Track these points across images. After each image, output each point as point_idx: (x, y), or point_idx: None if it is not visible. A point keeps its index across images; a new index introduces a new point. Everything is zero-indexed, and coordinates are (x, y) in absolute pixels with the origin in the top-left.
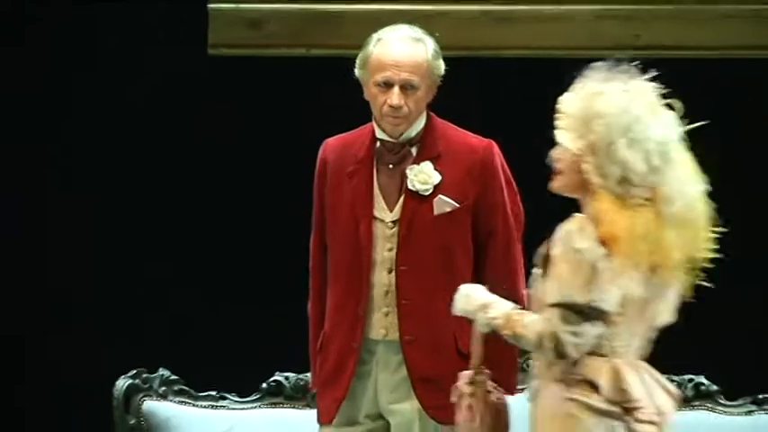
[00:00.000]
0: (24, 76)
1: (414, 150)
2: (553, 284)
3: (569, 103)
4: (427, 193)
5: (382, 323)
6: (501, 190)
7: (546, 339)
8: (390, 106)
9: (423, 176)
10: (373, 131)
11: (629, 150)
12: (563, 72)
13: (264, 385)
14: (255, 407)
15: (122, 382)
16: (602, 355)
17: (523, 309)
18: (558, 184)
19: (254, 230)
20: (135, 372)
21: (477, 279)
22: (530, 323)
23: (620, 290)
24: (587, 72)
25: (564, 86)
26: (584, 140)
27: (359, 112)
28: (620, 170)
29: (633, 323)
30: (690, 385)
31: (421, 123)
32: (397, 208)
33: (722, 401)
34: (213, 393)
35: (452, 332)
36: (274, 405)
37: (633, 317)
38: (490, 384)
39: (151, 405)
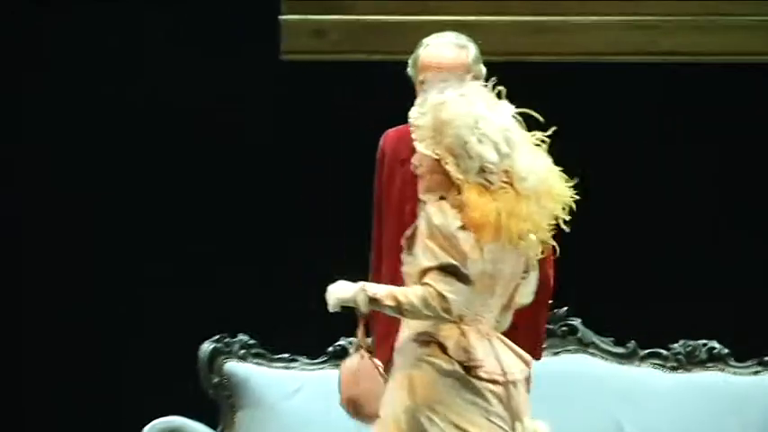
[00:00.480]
0: (107, 82)
1: None
2: (424, 255)
3: (419, 117)
4: None
5: None
6: None
7: (431, 299)
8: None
9: None
10: None
11: (480, 145)
12: (590, 76)
13: (331, 349)
14: (323, 368)
15: (207, 346)
16: (452, 321)
17: (543, 291)
18: (423, 188)
19: (322, 215)
20: (218, 336)
21: None
22: (411, 291)
23: (474, 263)
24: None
25: (589, 88)
26: (441, 145)
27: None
28: (477, 163)
29: (484, 297)
30: (704, 349)
31: None
32: None
33: (732, 363)
34: (286, 356)
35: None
36: (339, 366)
37: (484, 291)
38: (375, 363)
39: (232, 366)
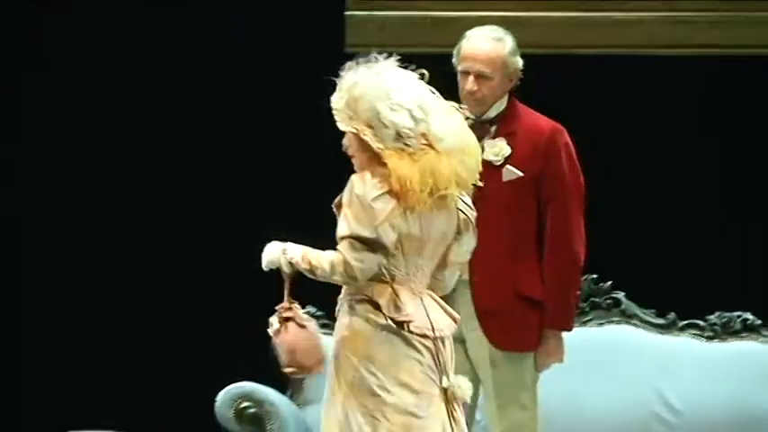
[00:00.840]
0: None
1: (493, 128)
2: (342, 223)
3: (336, 100)
4: (498, 163)
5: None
6: (562, 165)
7: (338, 266)
8: (467, 91)
9: (496, 149)
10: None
11: (394, 113)
12: (629, 67)
13: None
14: None
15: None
16: (385, 281)
17: (574, 266)
18: (356, 166)
19: None
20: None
21: (539, 237)
22: (323, 256)
23: (396, 229)
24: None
25: (628, 79)
26: (359, 120)
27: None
28: (393, 130)
29: (414, 258)
30: (738, 320)
31: (501, 106)
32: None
33: (765, 333)
34: None
35: (513, 277)
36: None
37: (412, 253)
38: (301, 318)
39: None
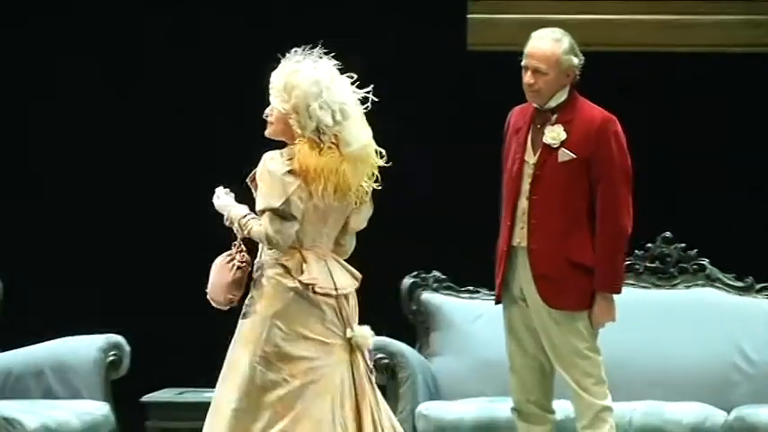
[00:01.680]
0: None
1: (554, 116)
2: (259, 197)
3: (276, 78)
4: (555, 146)
5: (519, 235)
6: (610, 150)
7: (262, 237)
8: (525, 83)
9: (554, 134)
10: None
11: (320, 111)
12: (712, 64)
13: None
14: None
15: (408, 280)
16: (294, 248)
17: (621, 237)
18: (269, 132)
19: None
20: (416, 273)
21: (590, 212)
22: (252, 225)
23: (303, 201)
24: (289, 55)
25: (709, 74)
26: (289, 104)
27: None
28: (314, 124)
29: (319, 227)
30: None
31: (561, 98)
32: (537, 155)
33: None
34: (471, 288)
35: (566, 247)
36: None
37: (317, 222)
38: (241, 257)
39: (427, 296)
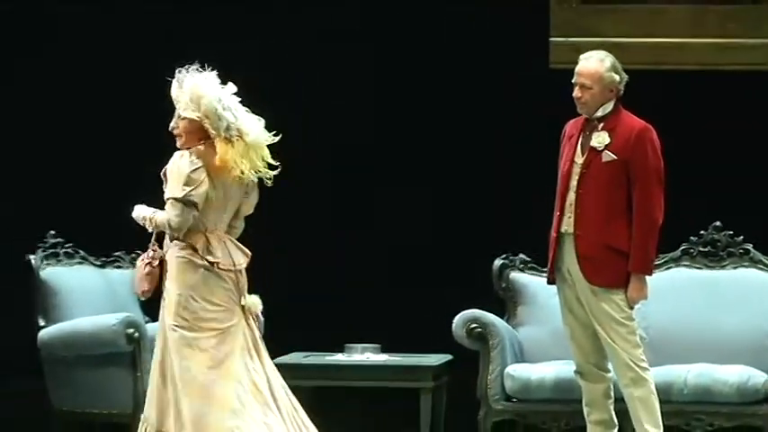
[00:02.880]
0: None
1: (600, 125)
2: (167, 188)
3: (179, 93)
4: (600, 149)
5: (567, 223)
6: (646, 153)
7: (165, 222)
8: (574, 96)
9: (599, 139)
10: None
11: (225, 111)
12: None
13: None
14: None
15: (498, 261)
16: (200, 231)
17: (653, 228)
18: (180, 144)
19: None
20: (505, 255)
21: (628, 206)
22: (160, 214)
23: (207, 192)
24: (184, 72)
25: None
26: (200, 111)
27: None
28: (225, 123)
29: (220, 212)
30: None
31: (607, 109)
32: (585, 156)
33: None
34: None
35: (605, 233)
36: None
37: (219, 209)
38: (152, 260)
39: (515, 275)
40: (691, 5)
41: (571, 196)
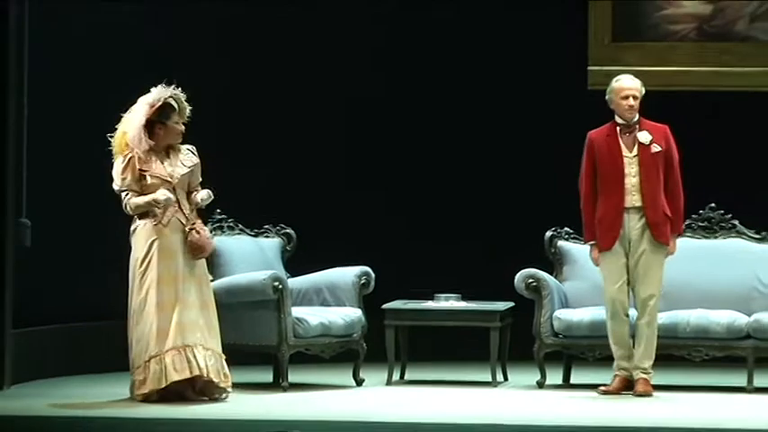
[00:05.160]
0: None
1: (637, 126)
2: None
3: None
4: (647, 143)
5: (632, 201)
6: (674, 146)
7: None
8: (629, 105)
9: (644, 136)
10: (614, 123)
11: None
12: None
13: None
14: None
15: (549, 233)
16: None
17: (682, 202)
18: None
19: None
20: (554, 228)
21: (665, 183)
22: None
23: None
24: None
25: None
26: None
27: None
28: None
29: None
30: None
31: (637, 116)
32: (635, 150)
33: None
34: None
35: (663, 205)
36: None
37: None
38: (198, 228)
39: (561, 243)
40: (695, 42)
41: (631, 180)
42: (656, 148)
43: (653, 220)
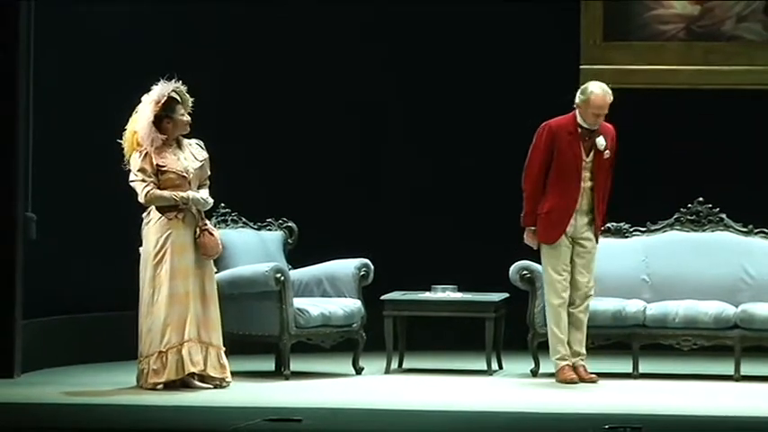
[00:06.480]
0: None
1: (595, 131)
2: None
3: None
4: (602, 149)
5: (582, 203)
6: (616, 146)
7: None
8: (597, 118)
9: (601, 141)
10: (575, 121)
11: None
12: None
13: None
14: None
15: None
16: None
17: (606, 201)
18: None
19: None
20: None
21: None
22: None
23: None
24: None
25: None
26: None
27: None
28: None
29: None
30: None
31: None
32: (591, 155)
33: None
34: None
35: (604, 206)
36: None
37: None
38: (209, 228)
39: None
40: (682, 42)
41: (587, 183)
42: (608, 155)
43: (598, 222)
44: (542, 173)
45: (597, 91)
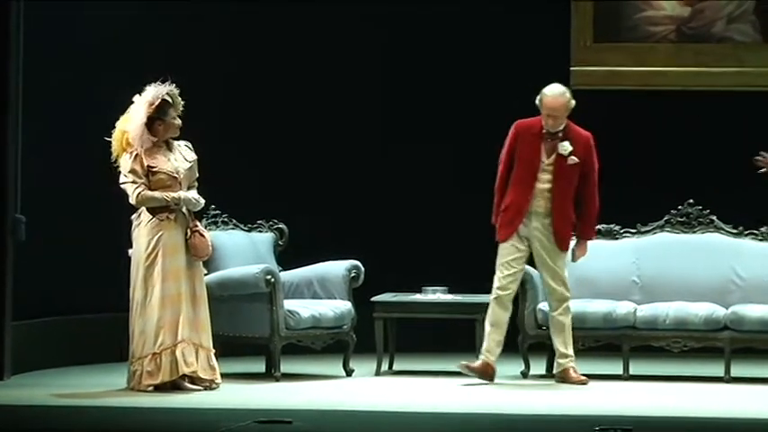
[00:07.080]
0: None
1: (561, 135)
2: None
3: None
4: (566, 154)
5: (538, 204)
6: (594, 157)
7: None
8: (551, 120)
9: (565, 147)
10: (542, 125)
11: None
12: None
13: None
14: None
15: None
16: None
17: (590, 212)
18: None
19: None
20: None
21: (578, 193)
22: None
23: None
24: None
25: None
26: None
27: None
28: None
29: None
30: None
31: (563, 125)
32: (552, 158)
33: None
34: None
35: (570, 213)
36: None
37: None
38: (199, 229)
39: None
40: (672, 44)
41: (543, 185)
42: (572, 161)
43: (557, 227)
44: (506, 171)
45: (548, 93)
